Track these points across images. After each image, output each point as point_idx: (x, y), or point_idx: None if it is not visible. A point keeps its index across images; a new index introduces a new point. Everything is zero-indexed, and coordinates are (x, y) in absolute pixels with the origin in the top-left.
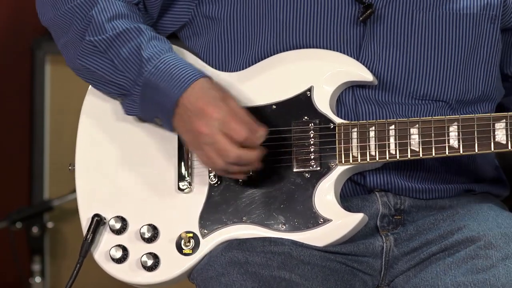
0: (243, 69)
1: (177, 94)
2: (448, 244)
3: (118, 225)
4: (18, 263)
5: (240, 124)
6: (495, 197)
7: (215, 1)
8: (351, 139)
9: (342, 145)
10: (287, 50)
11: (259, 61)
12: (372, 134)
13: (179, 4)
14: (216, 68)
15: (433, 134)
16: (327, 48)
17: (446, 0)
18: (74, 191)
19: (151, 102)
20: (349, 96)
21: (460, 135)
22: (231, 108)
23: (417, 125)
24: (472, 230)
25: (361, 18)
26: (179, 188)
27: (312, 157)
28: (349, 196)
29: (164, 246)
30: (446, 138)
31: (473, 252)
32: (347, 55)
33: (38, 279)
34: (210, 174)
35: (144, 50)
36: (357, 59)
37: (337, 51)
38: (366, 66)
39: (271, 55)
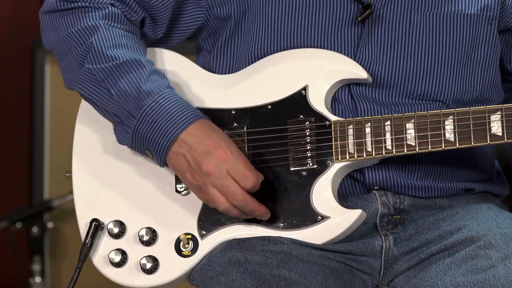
0: (241, 69)
1: (176, 132)
2: (447, 244)
3: (116, 229)
4: (18, 263)
5: (249, 171)
6: (495, 196)
7: (224, 3)
8: (347, 136)
9: (338, 142)
10: (285, 49)
11: (256, 60)
12: (368, 130)
13: (188, 12)
14: (218, 69)
15: (428, 128)
16: (324, 48)
17: (444, 1)
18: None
19: (144, 136)
20: (346, 94)
21: (456, 128)
22: (238, 152)
23: (413, 120)
24: (471, 230)
25: (359, 18)
26: (176, 190)
27: (308, 155)
28: (349, 194)
29: (163, 249)
30: (442, 131)
31: (473, 252)
32: (344, 55)
33: (38, 279)
34: None
35: (144, 84)
36: (354, 59)
37: (335, 50)
38: (363, 66)
39: (268, 55)
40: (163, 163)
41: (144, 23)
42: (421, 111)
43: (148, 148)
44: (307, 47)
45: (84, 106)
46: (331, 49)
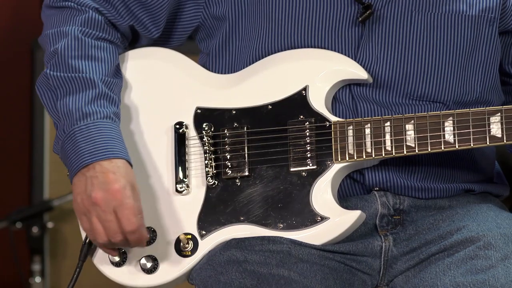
0: (241, 69)
1: (88, 161)
2: (447, 245)
3: None
4: (18, 263)
5: (134, 216)
6: (495, 197)
7: (219, 2)
8: (347, 136)
9: (338, 143)
10: (285, 50)
11: (257, 60)
12: (367, 131)
13: (186, 11)
14: (217, 70)
15: (428, 130)
16: (325, 48)
17: (445, 2)
18: None
19: (65, 153)
20: (346, 94)
21: (456, 130)
22: (136, 200)
23: (413, 121)
24: (471, 230)
25: (360, 19)
26: (176, 190)
27: (308, 155)
28: (348, 195)
29: (162, 249)
30: (442, 133)
31: (473, 253)
32: (345, 55)
33: (38, 279)
34: (208, 176)
35: (86, 106)
36: (355, 60)
37: (335, 51)
38: (363, 66)
39: (269, 55)
40: (70, 179)
41: (135, 29)
42: (421, 112)
43: (65, 163)
44: (308, 47)
45: None
46: (331, 50)
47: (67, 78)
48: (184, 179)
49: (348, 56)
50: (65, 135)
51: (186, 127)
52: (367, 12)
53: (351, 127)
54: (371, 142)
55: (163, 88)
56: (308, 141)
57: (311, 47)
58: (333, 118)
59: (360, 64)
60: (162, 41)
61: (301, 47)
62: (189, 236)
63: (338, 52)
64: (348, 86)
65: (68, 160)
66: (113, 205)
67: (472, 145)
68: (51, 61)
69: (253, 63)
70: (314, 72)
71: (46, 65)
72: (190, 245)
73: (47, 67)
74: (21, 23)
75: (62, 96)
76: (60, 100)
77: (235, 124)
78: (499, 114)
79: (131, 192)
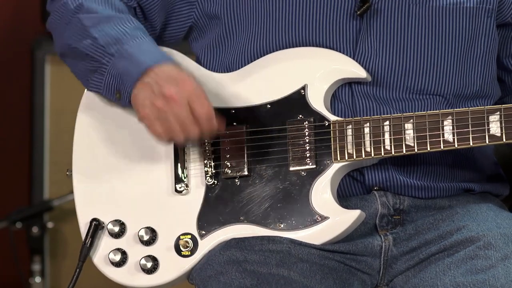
0: (238, 67)
1: (148, 64)
2: (447, 244)
3: (116, 229)
4: (18, 263)
5: (206, 101)
6: (495, 196)
7: (212, 0)
8: (346, 136)
9: (337, 143)
10: (283, 46)
11: (255, 58)
12: (366, 130)
13: (180, 10)
14: (211, 69)
15: (427, 129)
16: (323, 43)
17: None
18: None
19: (118, 72)
20: (346, 92)
21: (455, 129)
22: (204, 93)
23: (412, 120)
24: (471, 230)
25: (358, 12)
26: (176, 190)
27: (307, 155)
28: (348, 194)
29: (162, 249)
30: (441, 132)
31: (473, 253)
32: (344, 50)
33: (38, 279)
34: (207, 176)
35: (129, 32)
36: (354, 54)
37: (334, 45)
38: (362, 61)
39: (267, 52)
40: (129, 97)
41: (137, 15)
42: (421, 107)
43: (118, 87)
44: (306, 43)
45: (84, 105)
46: (330, 44)
47: (101, 17)
48: (183, 179)
49: (347, 51)
50: (116, 57)
51: None
52: (365, 6)
53: (350, 126)
54: (370, 141)
55: None
56: (307, 140)
57: (309, 42)
58: (332, 117)
59: (359, 59)
60: (157, 41)
61: (299, 43)
62: (189, 236)
63: (337, 46)
64: (348, 83)
65: (123, 75)
66: (185, 96)
67: (471, 144)
68: (80, 11)
69: (250, 61)
70: (312, 71)
71: (71, 15)
72: (190, 245)
73: (79, 13)
74: (21, 23)
75: (100, 30)
76: (100, 33)
77: (235, 124)
78: (498, 113)
79: (201, 88)
